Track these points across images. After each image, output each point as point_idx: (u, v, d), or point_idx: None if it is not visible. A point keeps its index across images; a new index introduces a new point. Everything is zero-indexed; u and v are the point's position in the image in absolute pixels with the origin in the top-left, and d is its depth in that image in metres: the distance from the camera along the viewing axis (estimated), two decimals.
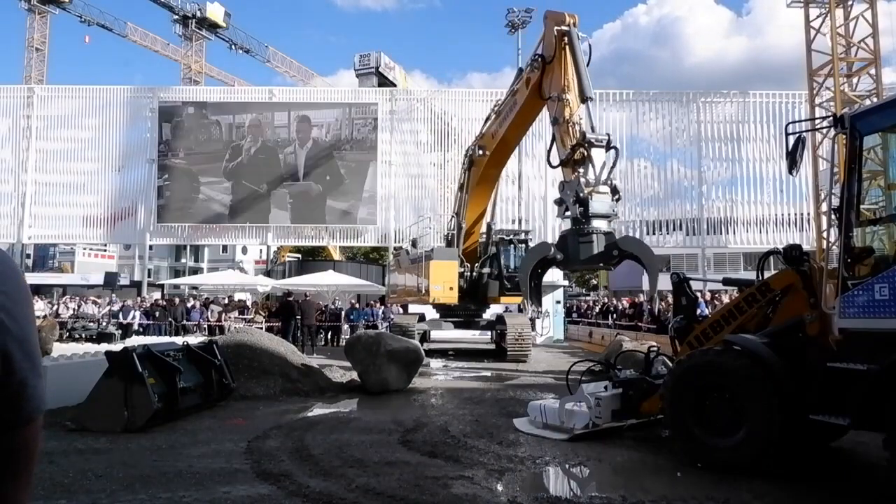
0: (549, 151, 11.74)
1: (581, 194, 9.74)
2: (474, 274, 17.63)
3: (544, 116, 14.10)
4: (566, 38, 11.72)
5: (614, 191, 10.22)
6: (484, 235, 18.00)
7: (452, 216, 18.34)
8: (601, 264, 10.24)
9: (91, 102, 29.82)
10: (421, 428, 8.05)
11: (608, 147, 10.43)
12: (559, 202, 10.33)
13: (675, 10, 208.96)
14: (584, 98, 11.09)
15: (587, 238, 9.64)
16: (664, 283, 9.91)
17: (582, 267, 10.67)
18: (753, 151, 27.85)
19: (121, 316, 23.00)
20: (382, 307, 23.15)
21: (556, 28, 11.93)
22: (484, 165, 16.19)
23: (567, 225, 10.16)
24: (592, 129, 10.73)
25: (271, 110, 29.98)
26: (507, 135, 15.03)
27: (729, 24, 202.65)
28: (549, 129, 13.54)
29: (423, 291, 16.86)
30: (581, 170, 10.35)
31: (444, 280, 16.52)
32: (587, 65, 11.48)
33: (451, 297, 16.77)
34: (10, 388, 0.97)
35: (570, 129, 10.94)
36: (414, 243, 20.40)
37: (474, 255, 17.82)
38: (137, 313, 23.02)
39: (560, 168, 11.03)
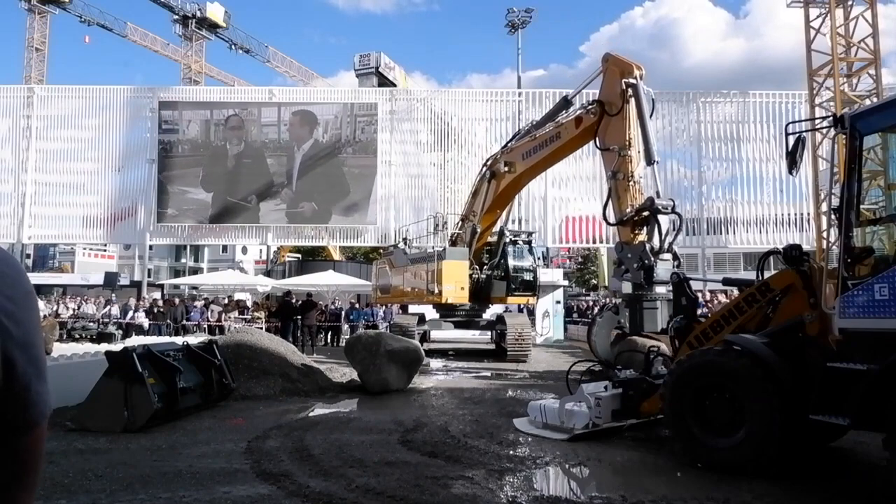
0: (605, 206, 11.17)
1: (647, 261, 9.51)
2: (482, 275, 17.64)
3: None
4: (631, 91, 10.91)
5: (675, 256, 9.98)
6: (495, 237, 18.03)
7: (459, 220, 18.34)
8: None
9: (91, 102, 29.79)
10: (421, 428, 8.04)
11: (671, 212, 10.17)
12: (618, 263, 10.17)
13: (672, 11, 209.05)
14: (649, 162, 10.62)
15: (652, 306, 9.48)
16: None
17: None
18: (753, 151, 27.85)
19: (122, 315, 22.91)
20: (384, 307, 23.05)
21: (623, 80, 11.02)
22: (508, 183, 15.92)
23: (627, 287, 9.93)
24: (658, 194, 10.36)
25: (258, 106, 28.90)
26: (541, 161, 14.64)
27: (727, 25, 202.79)
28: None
29: (434, 291, 16.79)
30: (643, 233, 10.06)
31: (456, 280, 16.52)
32: (650, 115, 10.84)
33: (462, 297, 16.79)
34: (13, 392, 0.97)
35: (632, 187, 10.57)
36: (406, 242, 20.35)
37: (478, 257, 17.87)
38: (143, 314, 22.91)
39: (617, 226, 10.66)
